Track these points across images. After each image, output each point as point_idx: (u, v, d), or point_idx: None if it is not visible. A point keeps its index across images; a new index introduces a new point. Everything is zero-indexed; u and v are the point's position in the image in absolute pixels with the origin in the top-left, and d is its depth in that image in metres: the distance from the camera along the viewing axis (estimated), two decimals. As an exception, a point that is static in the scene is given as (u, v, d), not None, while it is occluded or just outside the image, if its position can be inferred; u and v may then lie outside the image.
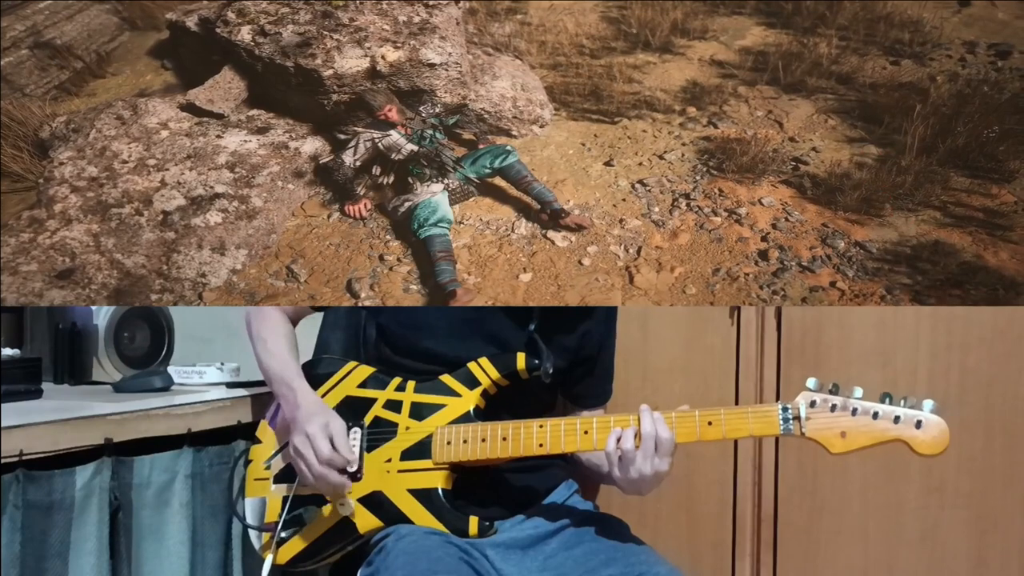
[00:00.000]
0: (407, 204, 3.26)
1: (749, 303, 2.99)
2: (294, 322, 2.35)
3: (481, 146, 3.57)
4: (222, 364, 2.86)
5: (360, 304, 2.92)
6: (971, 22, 5.19)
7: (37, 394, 2.63)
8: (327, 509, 2.14)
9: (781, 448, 3.10)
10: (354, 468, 2.10)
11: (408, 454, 2.12)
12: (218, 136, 3.55)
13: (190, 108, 3.70)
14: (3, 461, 2.17)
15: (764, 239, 3.28)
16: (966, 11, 5.29)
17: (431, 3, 3.79)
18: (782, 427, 1.94)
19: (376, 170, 3.32)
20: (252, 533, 2.26)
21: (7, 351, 2.70)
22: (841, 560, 3.08)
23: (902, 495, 3.03)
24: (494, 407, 2.15)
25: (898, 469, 3.02)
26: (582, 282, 3.06)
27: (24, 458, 2.21)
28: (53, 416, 2.31)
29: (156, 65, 4.53)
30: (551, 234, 3.27)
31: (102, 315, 2.90)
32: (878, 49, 4.85)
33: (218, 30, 3.79)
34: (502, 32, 4.74)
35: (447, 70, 3.56)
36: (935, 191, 3.55)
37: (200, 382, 2.82)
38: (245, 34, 3.69)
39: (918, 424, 1.89)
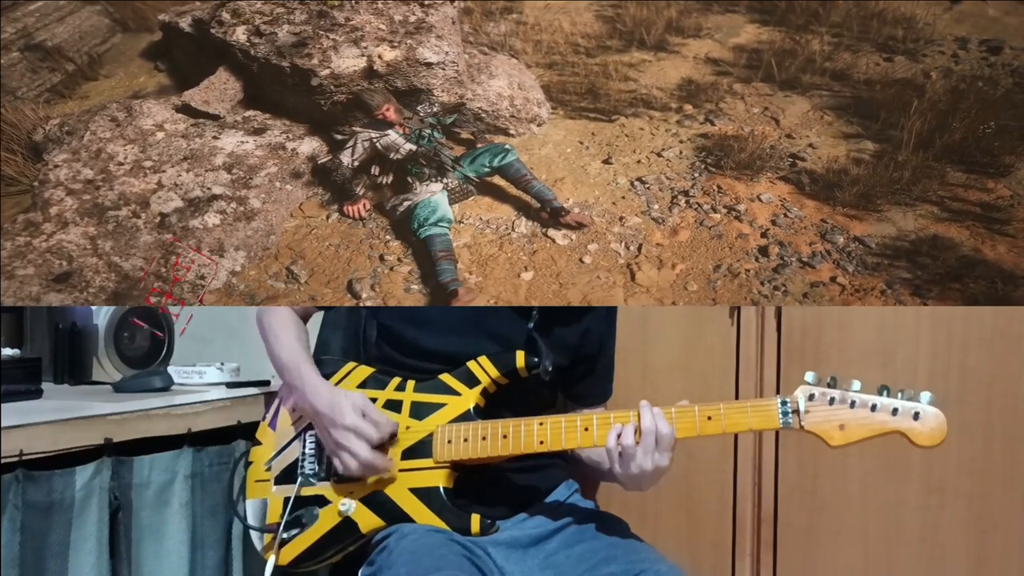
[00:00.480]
0: (406, 204, 3.25)
1: (751, 299, 2.99)
2: (304, 319, 2.36)
3: (479, 145, 3.56)
4: (222, 364, 2.86)
5: (362, 304, 2.92)
6: (962, 18, 5.21)
7: (37, 394, 2.64)
8: (329, 510, 2.15)
9: (781, 448, 3.11)
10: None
11: (409, 453, 2.12)
12: (214, 137, 3.53)
13: (186, 109, 3.69)
14: (3, 461, 2.18)
15: (764, 235, 3.28)
16: (957, 8, 5.31)
17: (427, 2, 3.78)
18: (781, 420, 1.94)
19: (375, 170, 3.31)
20: (254, 534, 2.25)
21: (7, 351, 2.71)
22: (841, 560, 3.09)
23: (902, 495, 3.04)
24: (494, 405, 2.15)
25: (898, 469, 3.03)
26: (584, 280, 3.06)
27: (24, 458, 2.22)
28: (53, 416, 2.32)
29: (149, 67, 4.51)
30: (551, 232, 3.27)
31: (102, 315, 2.90)
32: (871, 46, 4.87)
33: (212, 31, 3.78)
34: (498, 31, 4.74)
35: (444, 69, 3.55)
36: (932, 186, 3.56)
37: (200, 382, 2.83)
38: (240, 34, 3.68)
39: (916, 416, 1.88)
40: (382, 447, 2.10)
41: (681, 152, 3.76)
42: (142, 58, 4.63)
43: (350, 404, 2.08)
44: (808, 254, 3.18)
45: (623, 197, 3.46)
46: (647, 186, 3.51)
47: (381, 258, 3.16)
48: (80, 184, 3.27)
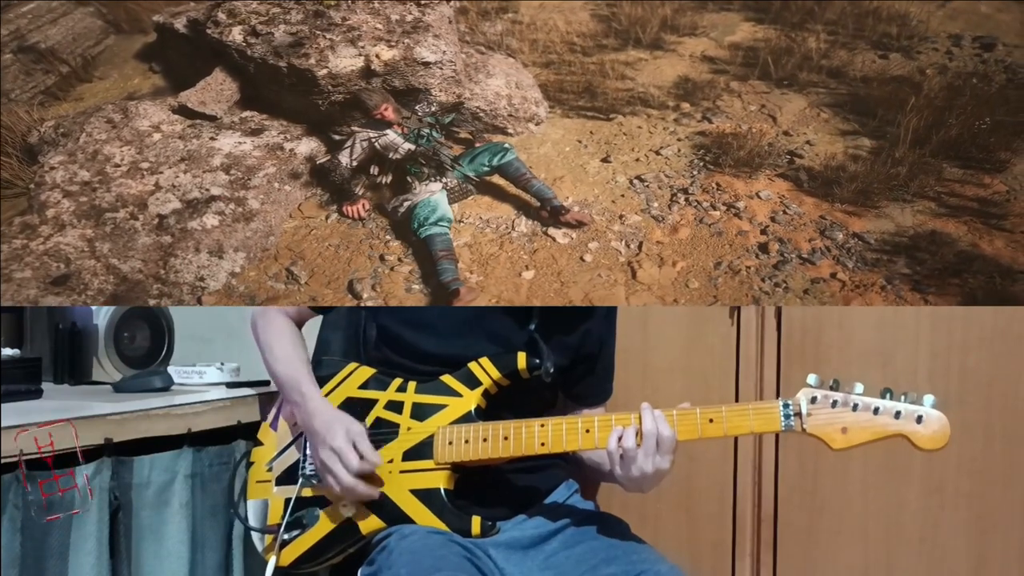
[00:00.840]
0: (406, 204, 3.24)
1: (752, 296, 2.99)
2: (299, 324, 2.35)
3: (478, 144, 3.56)
4: (222, 364, 2.86)
5: (362, 304, 2.91)
6: (955, 15, 5.24)
7: (37, 394, 2.64)
8: (329, 511, 2.16)
9: (781, 448, 3.10)
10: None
11: (410, 455, 2.13)
12: (212, 138, 3.52)
13: (182, 110, 3.67)
14: (3, 461, 2.17)
15: (763, 232, 3.28)
16: (950, 5, 5.34)
17: (423, 2, 3.77)
18: (783, 423, 1.94)
19: (374, 170, 3.30)
20: (255, 535, 2.26)
21: (7, 351, 2.70)
22: (841, 560, 3.09)
23: (902, 495, 3.04)
24: (495, 407, 2.16)
25: (898, 469, 3.03)
26: (585, 278, 3.05)
27: (24, 458, 2.21)
28: (53, 416, 2.31)
29: (143, 68, 4.49)
30: (552, 231, 3.26)
31: (102, 315, 2.90)
32: (866, 43, 4.89)
33: (208, 31, 3.77)
34: (494, 31, 4.74)
35: (442, 68, 3.54)
36: (929, 182, 3.57)
37: (200, 382, 2.83)
38: (236, 35, 3.66)
39: (919, 419, 1.88)
40: (368, 478, 2.10)
41: (679, 150, 3.76)
42: (136, 59, 4.61)
43: (344, 430, 2.09)
44: (808, 251, 3.18)
45: (622, 195, 3.46)
46: (646, 184, 3.51)
47: (381, 258, 3.15)
48: (77, 186, 3.26)
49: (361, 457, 2.07)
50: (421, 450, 2.12)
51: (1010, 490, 2.99)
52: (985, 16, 5.23)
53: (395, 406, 2.16)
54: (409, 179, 3.30)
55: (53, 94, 4.31)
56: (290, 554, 2.18)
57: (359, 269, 3.09)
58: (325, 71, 3.46)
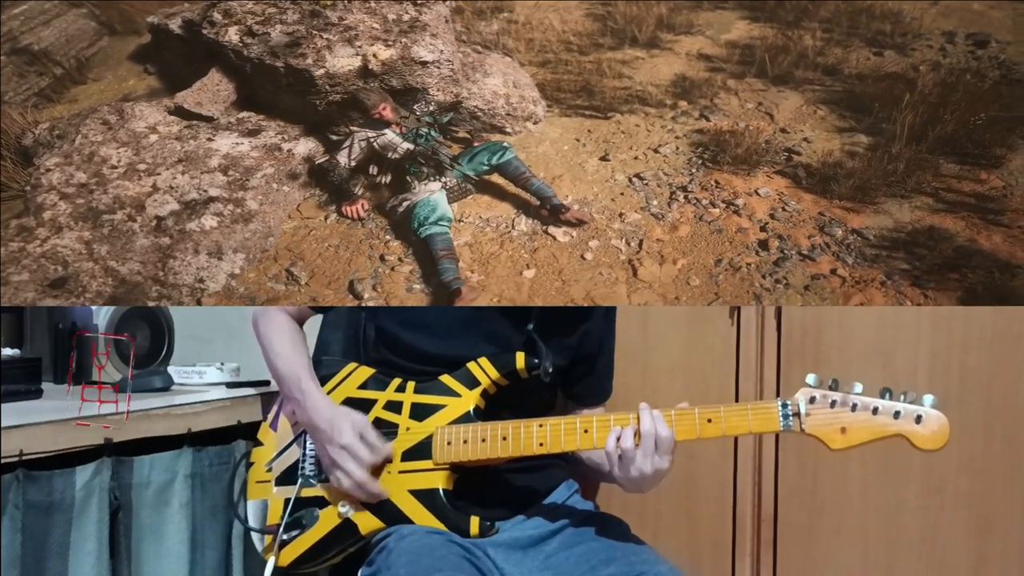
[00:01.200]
0: (406, 204, 3.23)
1: (753, 292, 2.99)
2: (300, 322, 2.35)
3: (476, 143, 3.55)
4: (222, 364, 2.86)
5: (363, 305, 2.91)
6: (949, 13, 5.26)
7: (37, 394, 2.64)
8: (329, 511, 2.16)
9: (781, 448, 3.09)
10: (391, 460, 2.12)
11: (409, 455, 2.12)
12: (209, 139, 3.51)
13: (178, 111, 3.67)
14: (3, 461, 2.18)
15: (763, 229, 3.28)
16: (943, 2, 5.36)
17: (419, 1, 3.77)
18: (782, 423, 1.94)
19: (373, 170, 3.30)
20: (254, 535, 2.26)
21: (7, 351, 2.70)
22: (841, 560, 3.08)
23: (902, 495, 3.03)
24: (494, 407, 2.16)
25: (898, 469, 3.02)
26: (586, 277, 3.05)
27: (24, 458, 2.21)
28: (53, 416, 2.31)
29: (138, 70, 4.49)
30: (552, 230, 3.26)
31: (102, 315, 2.89)
32: (861, 41, 4.91)
33: (204, 32, 3.76)
34: (490, 30, 4.74)
35: (439, 68, 3.54)
36: (926, 178, 3.58)
37: (200, 382, 2.83)
38: (232, 35, 3.66)
39: (918, 419, 1.88)
40: (376, 471, 2.11)
41: (678, 148, 3.77)
42: (131, 61, 4.61)
43: (349, 424, 2.10)
44: (807, 247, 3.19)
45: (622, 194, 3.46)
46: (645, 182, 3.51)
47: (382, 258, 3.15)
48: (73, 188, 3.25)
49: (371, 449, 2.08)
50: (420, 450, 2.12)
51: (1010, 490, 2.98)
52: (978, 13, 5.25)
53: (394, 406, 2.16)
54: (408, 179, 3.30)
55: (47, 96, 4.30)
56: (289, 554, 2.17)
57: (359, 269, 3.09)
58: (322, 71, 3.45)
